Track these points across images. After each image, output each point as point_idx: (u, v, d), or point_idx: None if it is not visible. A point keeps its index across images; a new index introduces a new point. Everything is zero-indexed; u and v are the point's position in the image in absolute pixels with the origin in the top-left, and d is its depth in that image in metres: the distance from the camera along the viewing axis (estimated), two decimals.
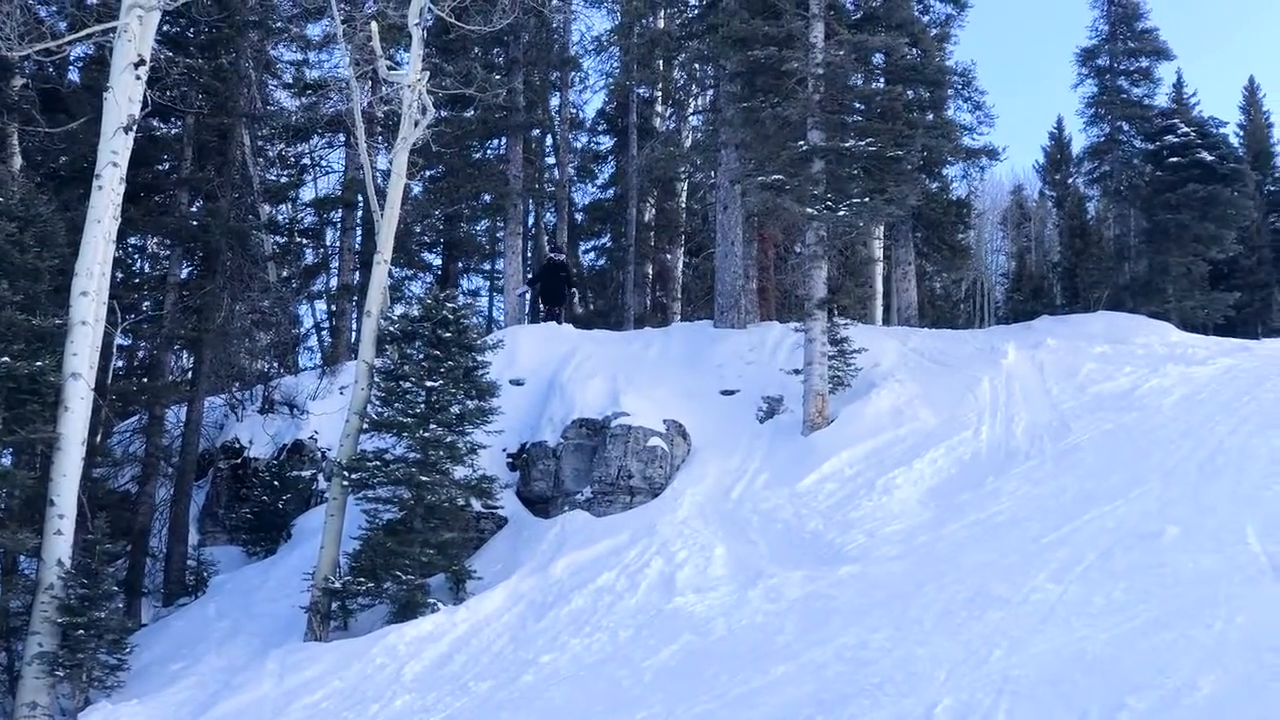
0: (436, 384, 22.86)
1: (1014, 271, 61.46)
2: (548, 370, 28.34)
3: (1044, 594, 15.17)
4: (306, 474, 29.84)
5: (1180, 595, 13.63)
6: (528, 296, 38.11)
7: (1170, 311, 33.15)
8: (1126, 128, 37.40)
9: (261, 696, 19.05)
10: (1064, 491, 20.20)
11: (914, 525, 20.60)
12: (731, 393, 27.97)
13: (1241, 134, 57.51)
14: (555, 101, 43.19)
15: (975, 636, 14.03)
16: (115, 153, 22.49)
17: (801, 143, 26.52)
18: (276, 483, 29.34)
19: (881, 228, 35.95)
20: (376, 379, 23.58)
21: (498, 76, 37.83)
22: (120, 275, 28.71)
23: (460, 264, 46.35)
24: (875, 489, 22.53)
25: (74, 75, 33.31)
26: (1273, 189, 51.37)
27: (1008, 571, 16.60)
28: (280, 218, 41.31)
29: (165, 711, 19.25)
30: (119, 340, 27.85)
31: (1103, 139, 37.76)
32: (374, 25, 25.93)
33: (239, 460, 30.90)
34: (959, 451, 23.64)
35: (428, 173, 39.56)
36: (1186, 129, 35.54)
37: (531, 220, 44.73)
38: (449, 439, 22.71)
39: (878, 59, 30.80)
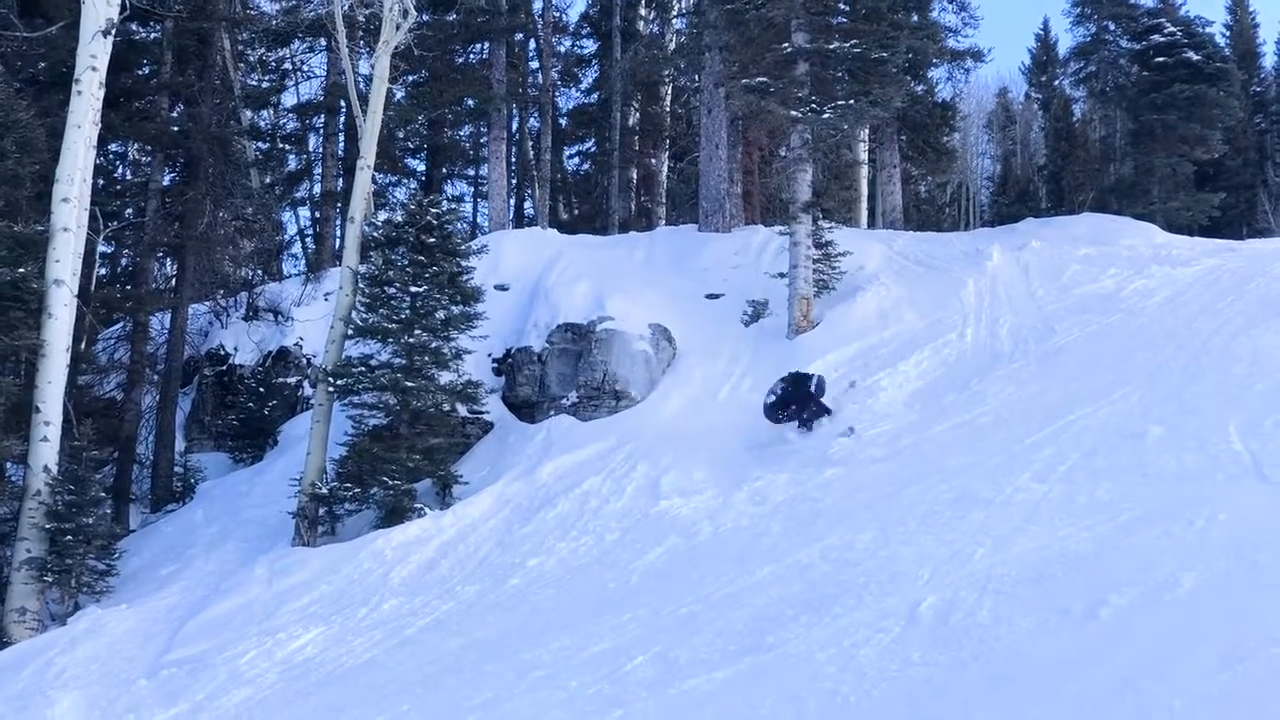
0: (421, 289, 22.84)
1: (999, 175, 61.30)
2: (532, 275, 28.29)
3: (1028, 494, 15.22)
4: (292, 381, 29.87)
5: (1163, 494, 13.68)
6: None
7: (1155, 213, 33.09)
8: (1113, 27, 37.13)
9: (250, 601, 19.13)
10: (1048, 392, 20.23)
11: (899, 427, 20.64)
12: (716, 297, 27.94)
13: (1228, 34, 57.10)
14: (538, 4, 42.80)
15: (959, 536, 14.09)
16: (94, 57, 22.31)
17: (786, 45, 26.31)
18: (262, 389, 29.37)
19: (866, 131, 35.78)
20: (361, 285, 23.55)
21: None
22: (102, 182, 28.59)
23: (444, 170, 46.12)
24: (860, 391, 22.55)
25: None
26: (1258, 89, 51.18)
27: (992, 472, 16.65)
28: (262, 124, 41.11)
29: (154, 616, 19.33)
30: (101, 247, 27.76)
31: (1089, 39, 37.52)
32: None
33: (224, 367, 30.88)
34: (944, 354, 23.66)
35: (410, 78, 39.19)
36: (1173, 28, 35.30)
37: (515, 125, 44.45)
38: (434, 344, 22.72)
39: None
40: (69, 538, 21.00)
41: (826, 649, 10.58)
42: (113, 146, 32.27)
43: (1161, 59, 34.69)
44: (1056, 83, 49.07)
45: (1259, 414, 15.93)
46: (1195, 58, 34.34)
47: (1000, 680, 8.69)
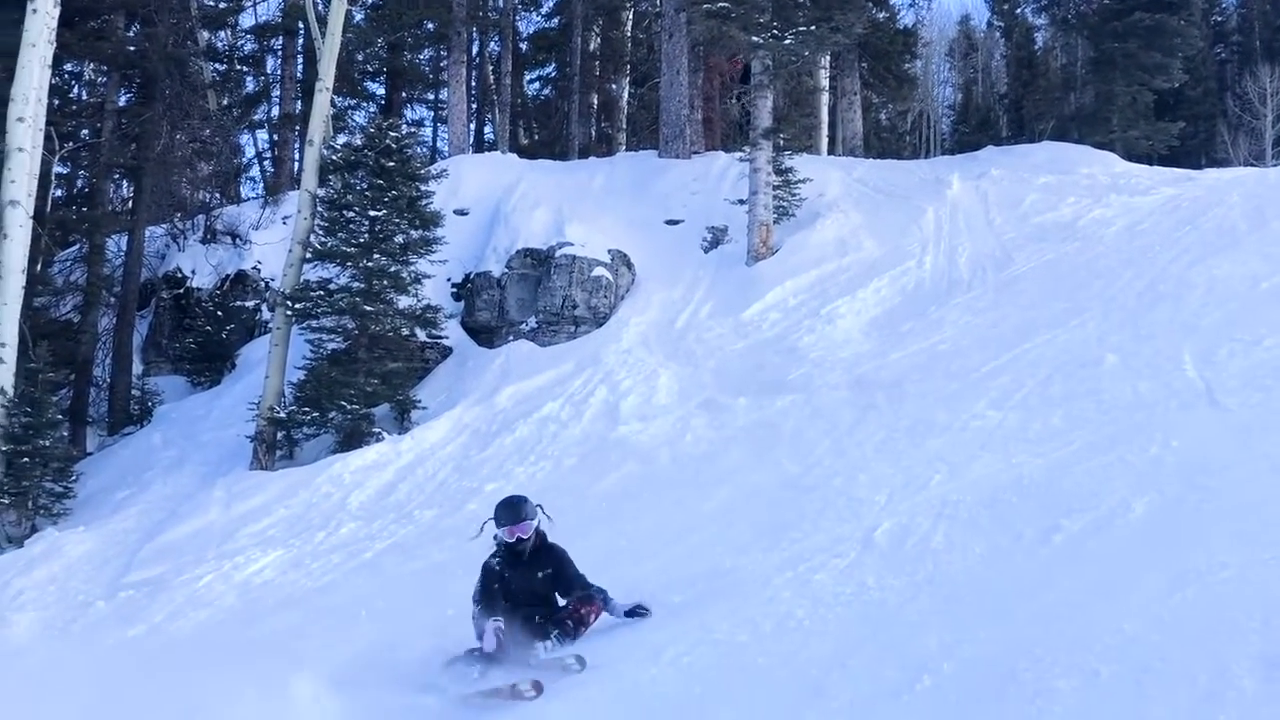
0: (380, 213, 22.79)
1: (960, 103, 61.22)
2: (492, 200, 28.18)
3: (983, 421, 15.31)
4: (250, 304, 29.69)
5: (1117, 421, 13.77)
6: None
7: (1115, 142, 33.13)
8: None
9: (208, 524, 19.15)
10: (1005, 320, 20.34)
11: (857, 354, 20.73)
12: (676, 223, 27.90)
13: None
14: None
15: (915, 463, 14.17)
16: None
17: None
18: (220, 313, 29.19)
19: (827, 57, 35.61)
20: (319, 208, 23.46)
21: None
22: (57, 102, 28.26)
23: (404, 93, 45.69)
24: (819, 318, 22.64)
25: None
26: (1219, 19, 51.20)
27: (949, 399, 16.75)
28: (220, 44, 40.63)
29: (112, 538, 19.34)
30: (57, 168, 27.45)
31: None
32: None
33: (181, 290, 30.64)
34: (902, 281, 23.73)
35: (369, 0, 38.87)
36: None
37: (475, 49, 44.10)
38: (393, 268, 22.71)
39: None
40: (25, 460, 20.96)
41: (782, 573, 10.64)
42: (68, 66, 31.87)
43: None
44: (1018, 11, 49.04)
45: (1213, 342, 16.03)
46: None
47: (953, 603, 8.77)
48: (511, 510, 10.29)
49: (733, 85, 35.79)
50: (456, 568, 13.99)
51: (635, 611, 10.12)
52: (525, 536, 10.16)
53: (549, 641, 9.77)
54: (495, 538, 10.30)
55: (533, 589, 10.17)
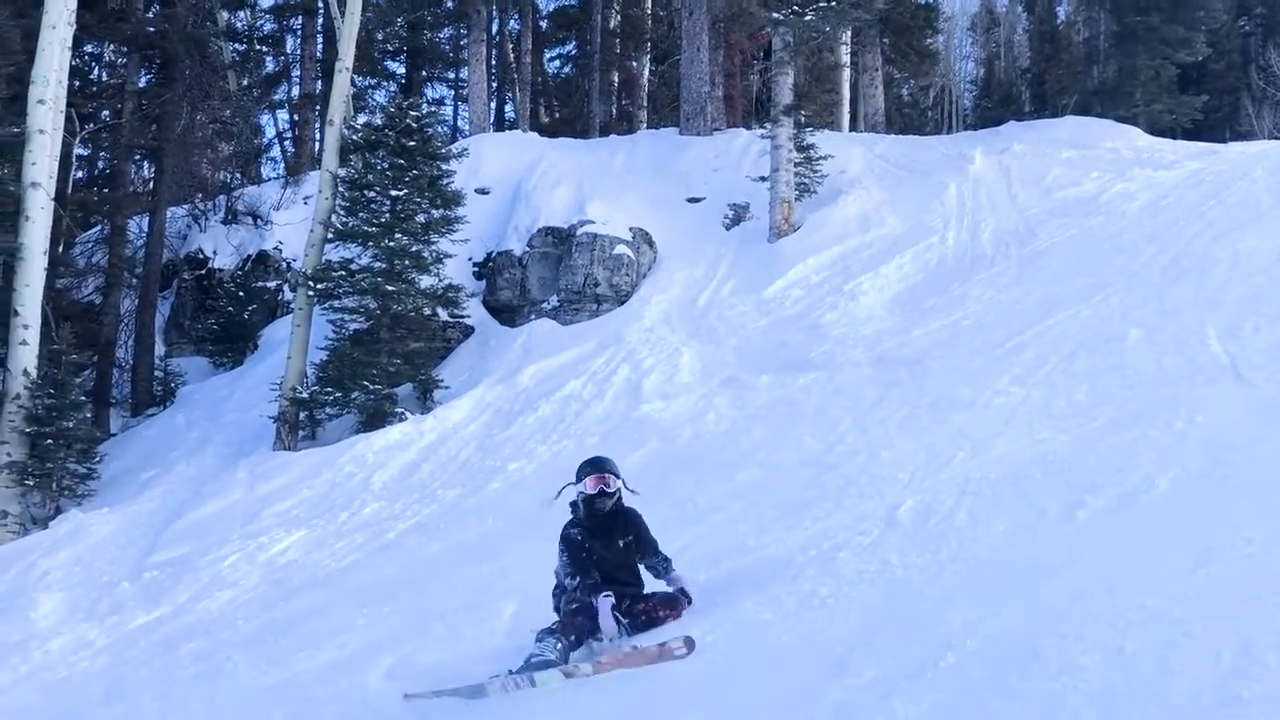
0: (401, 193, 22.79)
1: (982, 78, 60.93)
2: (513, 179, 28.17)
3: (1007, 397, 15.25)
4: (272, 285, 29.77)
5: (1141, 396, 13.71)
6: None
7: (1138, 116, 32.96)
8: None
9: (232, 504, 19.20)
10: (1029, 296, 20.25)
11: (880, 331, 20.67)
12: (698, 200, 27.86)
13: None
14: None
15: (939, 440, 14.13)
16: None
17: None
18: (242, 294, 29.26)
19: (849, 33, 35.47)
20: (340, 189, 23.46)
21: None
22: (77, 84, 28.32)
23: (424, 72, 45.75)
24: (842, 295, 22.59)
25: None
26: None
27: (972, 376, 16.69)
28: (239, 24, 40.65)
29: (136, 519, 19.40)
30: (78, 150, 27.52)
31: None
32: None
33: (203, 271, 30.76)
34: (925, 257, 23.65)
35: None
36: None
37: (495, 28, 44.05)
38: (414, 248, 22.71)
39: None
40: (49, 441, 21.05)
41: (806, 551, 10.61)
42: (88, 47, 31.93)
43: None
44: None
45: (1238, 317, 15.94)
46: None
47: (976, 580, 8.73)
48: (598, 463, 10.11)
49: (755, 62, 35.67)
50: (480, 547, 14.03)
51: (680, 594, 10.00)
52: (610, 490, 9.94)
53: (621, 631, 9.59)
54: (574, 503, 10.08)
55: (617, 560, 9.91)
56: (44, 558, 18.07)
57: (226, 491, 19.77)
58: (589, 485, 9.92)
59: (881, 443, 14.88)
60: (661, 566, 10.13)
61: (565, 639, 9.28)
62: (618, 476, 10.01)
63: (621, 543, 9.99)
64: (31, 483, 21.07)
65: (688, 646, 8.53)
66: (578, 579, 9.75)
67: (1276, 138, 37.55)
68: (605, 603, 9.45)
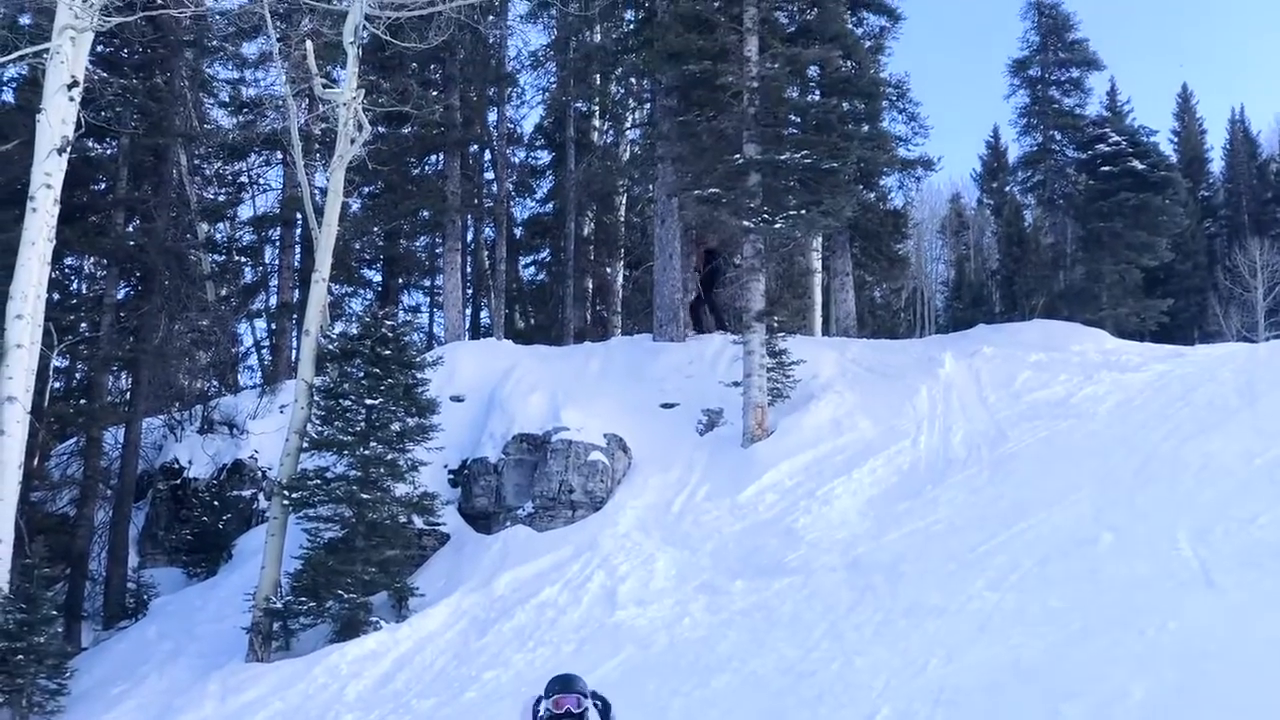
0: (376, 402, 22.89)
1: (953, 279, 61.90)
2: (488, 386, 28.33)
3: (981, 602, 15.31)
4: (247, 494, 29.72)
5: (1114, 602, 13.78)
6: None
7: (1105, 318, 33.38)
8: (1059, 137, 37.54)
9: (203, 718, 19.00)
10: (1001, 499, 20.37)
11: (854, 535, 20.72)
12: (672, 406, 28.01)
13: (1176, 140, 58.17)
14: (493, 117, 42.98)
15: (913, 646, 14.15)
16: (49, 174, 22.38)
17: (738, 156, 26.60)
18: (216, 503, 29.20)
19: (819, 239, 36.05)
20: (316, 397, 23.57)
21: (435, 93, 37.85)
22: (56, 296, 28.58)
23: (400, 280, 46.18)
24: (815, 499, 22.66)
25: (8, 96, 33.00)
26: (1207, 194, 51.94)
27: (946, 580, 16.74)
28: (218, 236, 41.18)
29: None
30: (55, 362, 27.67)
31: (1036, 148, 37.92)
32: (309, 44, 25.87)
33: (178, 481, 30.69)
34: (898, 461, 23.78)
35: (366, 189, 39.35)
36: (1118, 138, 35.73)
37: (471, 235, 44.63)
38: (390, 456, 22.76)
39: (812, 72, 30.88)
40: (20, 657, 20.81)
41: None
42: (68, 260, 32.24)
43: (1107, 168, 35.02)
44: (1007, 189, 49.69)
45: (1208, 521, 16.08)
46: (1140, 166, 34.69)
47: None
48: (564, 681, 10.17)
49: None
50: None
51: None
52: (575, 710, 9.96)
53: None
54: (539, 717, 10.09)
55: None
56: None
57: (197, 706, 19.58)
58: (554, 705, 9.95)
59: (856, 649, 14.88)
60: None
61: None
62: (586, 696, 10.03)
63: None
64: (1, 699, 20.81)
65: None
66: None
67: (1245, 337, 38.16)
68: None
